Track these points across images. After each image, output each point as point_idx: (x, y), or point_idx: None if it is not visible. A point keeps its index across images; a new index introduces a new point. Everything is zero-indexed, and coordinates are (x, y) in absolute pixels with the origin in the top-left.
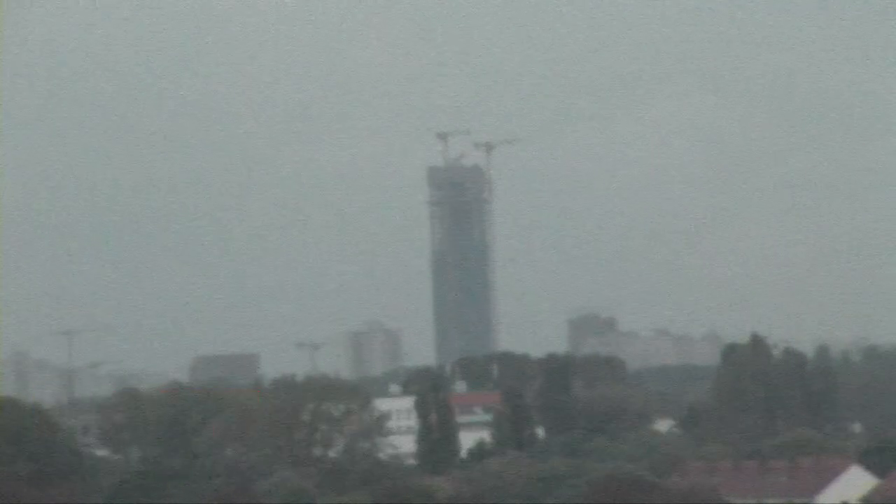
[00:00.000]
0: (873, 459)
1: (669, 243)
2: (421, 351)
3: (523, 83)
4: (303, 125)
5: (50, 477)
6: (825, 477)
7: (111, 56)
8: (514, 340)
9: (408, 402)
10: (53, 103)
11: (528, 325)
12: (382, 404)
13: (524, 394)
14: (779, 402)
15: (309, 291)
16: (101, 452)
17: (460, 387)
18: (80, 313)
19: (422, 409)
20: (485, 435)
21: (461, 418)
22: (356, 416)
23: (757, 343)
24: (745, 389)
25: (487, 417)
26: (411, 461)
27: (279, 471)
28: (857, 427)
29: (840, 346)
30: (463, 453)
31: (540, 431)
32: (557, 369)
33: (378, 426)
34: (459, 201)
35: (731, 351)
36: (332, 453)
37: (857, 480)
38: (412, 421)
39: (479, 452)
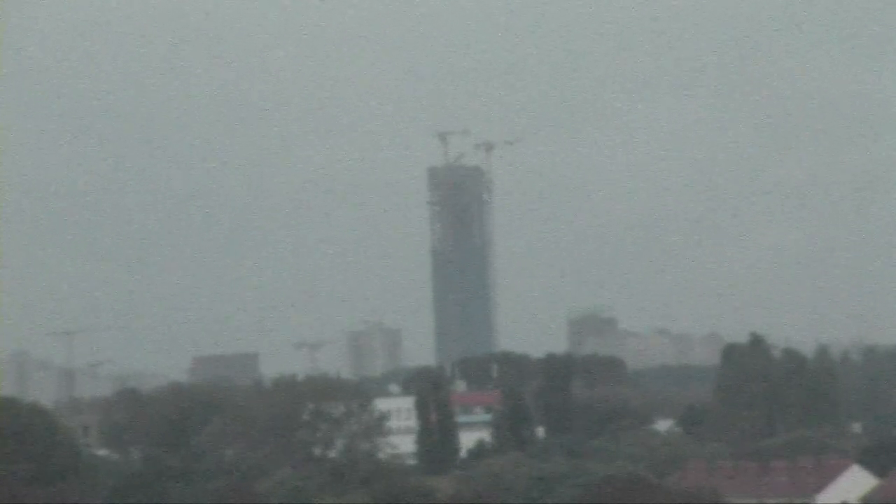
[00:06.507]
0: (873, 459)
1: (669, 244)
2: (421, 351)
3: (523, 83)
4: (303, 127)
5: (50, 477)
6: (825, 477)
7: (113, 58)
8: (514, 340)
9: (408, 402)
10: (54, 103)
11: (528, 325)
12: (382, 404)
13: (524, 394)
14: (779, 402)
15: (309, 291)
16: (101, 452)
17: (460, 387)
18: (80, 313)
19: (422, 409)
20: (485, 435)
21: (461, 418)
22: (356, 416)
23: (757, 343)
24: (745, 389)
25: (487, 417)
26: (411, 461)
27: (279, 471)
28: (857, 427)
29: (840, 346)
30: (463, 453)
31: (540, 431)
32: (557, 369)
33: (378, 426)
34: (459, 201)
35: (731, 351)
36: (332, 453)
37: (857, 480)
38: (412, 421)
39: (479, 452)
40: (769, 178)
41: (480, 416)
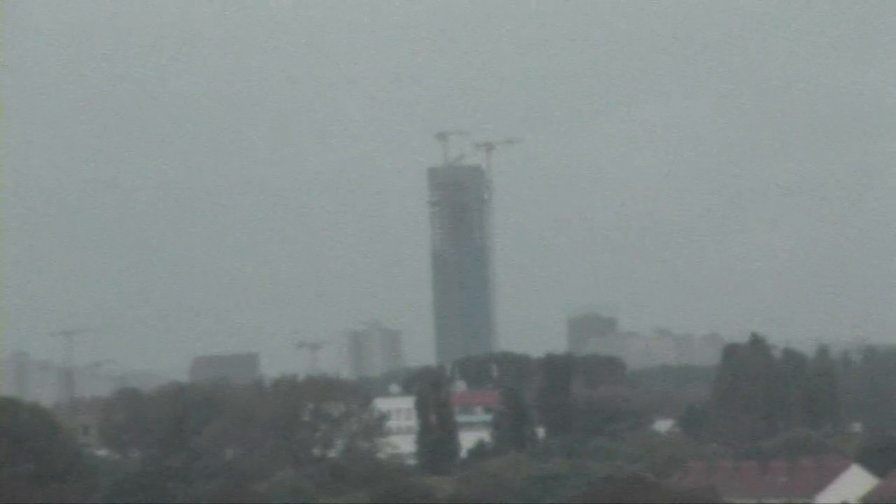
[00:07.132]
0: (873, 459)
1: (669, 243)
2: (421, 351)
3: (523, 83)
4: (302, 126)
5: (50, 477)
6: (825, 477)
7: (110, 58)
8: (514, 340)
9: (408, 402)
10: (53, 102)
11: (528, 325)
12: (382, 404)
13: (524, 394)
14: (779, 402)
15: (309, 291)
16: (101, 452)
17: (460, 387)
18: (80, 313)
19: (422, 409)
20: (485, 435)
21: (461, 418)
22: (356, 416)
23: (757, 343)
24: (745, 389)
25: (487, 417)
26: (411, 461)
27: (279, 471)
28: (857, 427)
29: (840, 346)
30: (463, 453)
31: (540, 431)
32: (557, 369)
33: (378, 426)
34: (459, 201)
35: (731, 351)
36: (332, 453)
37: (857, 480)
38: (412, 421)
39: (479, 452)
40: (769, 178)
41: (480, 416)
